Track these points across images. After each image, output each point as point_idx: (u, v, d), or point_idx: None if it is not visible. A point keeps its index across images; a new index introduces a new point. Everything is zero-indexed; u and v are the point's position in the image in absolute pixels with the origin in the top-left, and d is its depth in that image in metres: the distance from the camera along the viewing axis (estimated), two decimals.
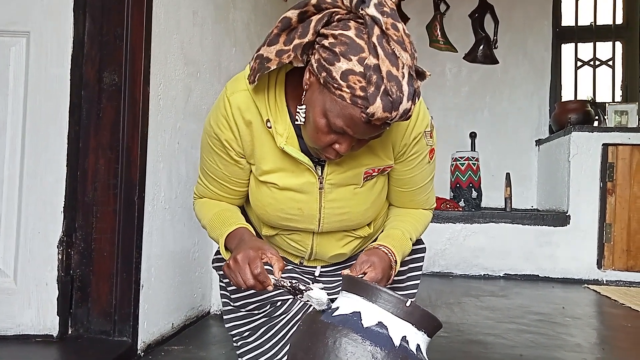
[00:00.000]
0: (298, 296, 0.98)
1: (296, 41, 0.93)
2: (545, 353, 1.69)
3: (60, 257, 1.47)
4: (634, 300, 2.60)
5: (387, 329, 0.94)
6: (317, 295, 0.97)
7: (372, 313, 0.96)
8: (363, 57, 0.86)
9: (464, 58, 4.44)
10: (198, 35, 1.94)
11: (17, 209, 1.47)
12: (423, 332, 0.98)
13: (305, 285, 0.98)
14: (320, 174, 1.13)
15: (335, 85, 0.88)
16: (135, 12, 1.53)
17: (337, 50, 0.87)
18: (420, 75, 0.93)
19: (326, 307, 0.98)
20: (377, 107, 0.86)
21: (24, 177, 1.48)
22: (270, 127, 1.08)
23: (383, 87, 0.85)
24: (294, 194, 1.15)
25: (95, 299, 1.48)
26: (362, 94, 0.87)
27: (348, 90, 0.87)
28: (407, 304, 0.97)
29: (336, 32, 0.88)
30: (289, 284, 0.97)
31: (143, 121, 1.54)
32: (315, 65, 0.92)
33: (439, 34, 4.42)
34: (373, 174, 1.16)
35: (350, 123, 0.92)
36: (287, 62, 0.95)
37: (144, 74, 1.54)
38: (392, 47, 0.86)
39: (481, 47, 4.39)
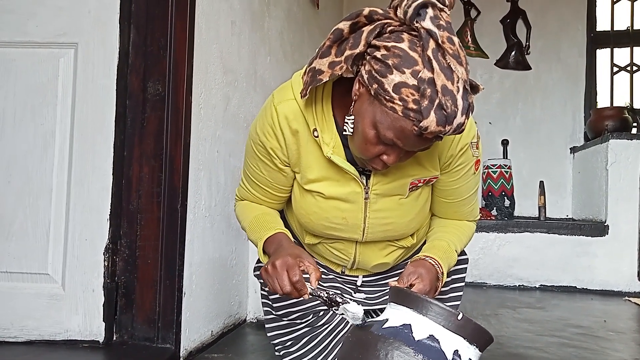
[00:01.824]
0: (333, 308, 0.98)
1: (347, 52, 0.92)
2: None
3: (106, 264, 1.50)
4: None
5: (439, 343, 0.92)
6: (353, 309, 0.96)
7: (423, 326, 0.94)
8: (417, 70, 0.85)
9: (495, 64, 4.38)
10: (236, 44, 1.96)
11: (65, 216, 1.51)
12: (475, 347, 0.96)
13: (342, 298, 0.97)
14: (365, 184, 1.13)
15: (387, 97, 0.88)
16: (178, 22, 1.56)
17: (389, 62, 0.87)
18: (473, 88, 0.92)
19: (361, 322, 0.97)
20: (430, 121, 0.85)
21: (72, 184, 1.51)
22: (317, 137, 1.08)
23: (437, 101, 0.84)
24: (339, 203, 1.15)
25: (139, 305, 1.50)
26: (415, 107, 0.86)
27: (400, 103, 0.87)
28: (459, 317, 0.95)
29: (389, 44, 0.88)
30: (326, 295, 0.96)
31: (186, 130, 1.56)
32: (366, 76, 0.91)
33: (470, 40, 4.38)
34: (418, 184, 1.15)
35: (401, 135, 0.91)
36: (339, 74, 0.95)
37: (187, 84, 1.56)
38: (448, 61, 0.85)
39: (513, 52, 4.33)
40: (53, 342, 1.47)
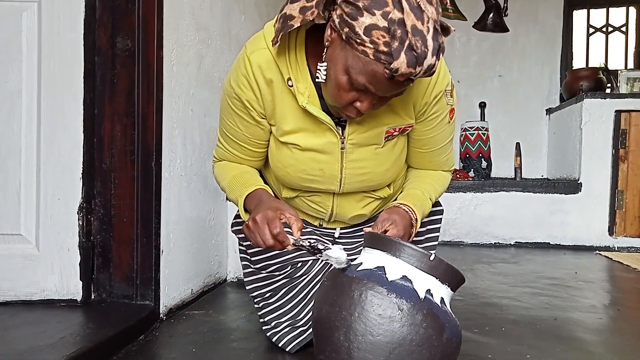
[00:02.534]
0: (317, 255, 0.99)
1: None
2: (560, 314, 1.70)
3: (80, 223, 1.48)
4: None
5: (411, 282, 0.95)
6: (336, 254, 0.98)
7: (396, 267, 0.96)
8: (387, 11, 0.84)
9: (473, 26, 4.34)
10: (208, 1, 1.91)
11: (35, 177, 1.48)
12: (447, 286, 0.99)
13: (324, 245, 0.99)
14: (341, 134, 1.13)
15: (358, 40, 0.87)
16: None
17: (360, 4, 0.86)
18: (444, 30, 0.91)
19: (345, 265, 0.99)
20: (401, 62, 0.85)
21: (42, 144, 1.48)
22: (292, 86, 1.07)
23: (408, 41, 0.84)
24: (316, 155, 1.15)
25: (116, 264, 1.50)
26: (385, 49, 0.85)
27: (371, 46, 0.86)
28: (431, 258, 0.98)
29: None
30: (308, 244, 0.97)
31: (158, 87, 1.53)
32: (337, 20, 0.90)
33: (448, 2, 4.31)
34: (394, 133, 1.16)
35: (373, 80, 0.91)
36: (310, 19, 0.94)
37: (157, 39, 1.52)
38: (418, 0, 0.84)
39: (491, 15, 4.29)
40: (30, 302, 1.46)
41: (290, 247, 0.99)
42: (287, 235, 0.99)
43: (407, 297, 0.92)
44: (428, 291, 0.96)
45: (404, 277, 0.96)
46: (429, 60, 0.86)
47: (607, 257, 2.88)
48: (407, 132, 1.19)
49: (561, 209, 3.23)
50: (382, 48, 0.85)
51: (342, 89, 0.96)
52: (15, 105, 1.47)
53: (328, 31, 0.95)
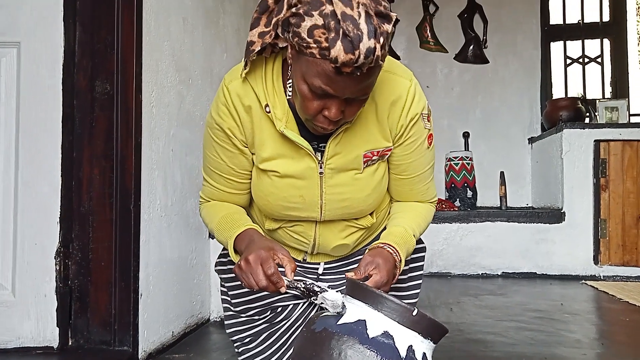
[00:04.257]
0: (312, 298, 0.97)
1: (274, 20, 0.95)
2: (545, 350, 1.69)
3: (57, 268, 1.46)
4: (632, 294, 2.62)
5: (393, 339, 0.92)
6: (332, 297, 0.95)
7: (377, 322, 0.94)
8: (322, 9, 0.86)
9: (454, 58, 4.46)
10: (189, 41, 1.94)
11: (12, 221, 1.46)
12: (429, 340, 0.97)
13: (320, 287, 0.96)
14: (320, 159, 1.13)
15: (304, 44, 0.88)
16: (125, 20, 1.53)
17: (301, 11, 0.88)
18: (384, 16, 0.89)
19: (341, 309, 0.96)
20: (338, 50, 0.85)
21: (19, 187, 1.47)
22: (269, 112, 1.08)
23: (341, 29, 0.85)
24: (295, 181, 1.14)
25: (94, 309, 1.47)
26: (326, 44, 0.87)
27: (315, 45, 0.87)
28: (414, 313, 0.96)
29: None
30: (303, 285, 0.95)
31: (137, 129, 1.53)
32: (290, 35, 0.92)
33: (429, 34, 4.44)
34: (373, 157, 1.16)
35: (326, 80, 0.91)
36: (269, 41, 0.98)
37: (136, 82, 1.54)
38: None
39: (471, 47, 4.42)
40: (4, 350, 1.42)
41: (284, 289, 0.97)
42: (281, 276, 0.97)
43: (388, 357, 0.89)
44: (409, 348, 0.93)
45: (385, 333, 0.93)
46: (366, 43, 0.85)
47: (593, 287, 2.88)
48: (387, 157, 1.19)
49: (546, 239, 3.25)
50: (324, 44, 0.87)
51: (306, 98, 0.97)
52: None
53: (288, 49, 0.97)
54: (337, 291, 0.96)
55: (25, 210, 1.46)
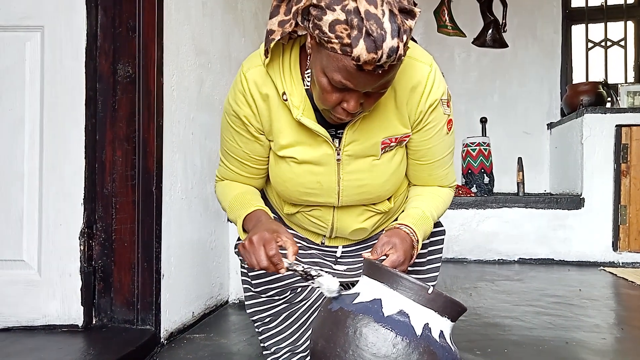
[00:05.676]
0: (309, 282, 0.99)
1: (294, 8, 0.94)
2: (563, 334, 1.69)
3: (82, 248, 1.49)
4: None
5: (408, 317, 0.93)
6: (327, 282, 0.97)
7: (393, 301, 0.95)
8: (345, 4, 0.85)
9: (472, 42, 4.39)
10: (208, 25, 1.94)
11: (38, 202, 1.49)
12: (447, 318, 0.97)
13: (317, 272, 0.98)
14: (337, 146, 1.13)
15: (326, 38, 0.88)
16: (146, 3, 1.54)
17: (322, 4, 0.87)
18: (408, 12, 0.89)
19: (337, 294, 0.98)
20: (361, 49, 0.85)
21: (44, 170, 1.49)
22: (287, 100, 1.09)
23: (364, 28, 0.84)
24: (313, 167, 1.15)
25: (117, 288, 1.50)
26: (348, 40, 0.86)
27: (337, 41, 0.87)
28: (429, 291, 0.96)
29: None
30: (301, 269, 0.97)
31: (158, 112, 1.55)
32: (311, 26, 0.92)
33: (447, 19, 4.37)
34: (391, 144, 1.15)
35: (347, 75, 0.91)
36: (289, 30, 0.97)
37: (158, 65, 1.55)
38: None
39: (490, 31, 4.33)
40: (31, 327, 1.46)
41: (283, 271, 0.99)
42: (282, 258, 0.99)
43: (404, 334, 0.90)
44: (426, 326, 0.93)
45: (401, 312, 0.94)
46: (389, 42, 0.84)
47: (612, 273, 2.86)
48: (405, 143, 1.19)
49: (564, 225, 3.22)
50: (347, 41, 0.86)
51: (325, 90, 0.97)
52: (18, 132, 1.50)
53: (308, 39, 0.96)
54: (333, 276, 0.97)
55: (50, 192, 1.49)
